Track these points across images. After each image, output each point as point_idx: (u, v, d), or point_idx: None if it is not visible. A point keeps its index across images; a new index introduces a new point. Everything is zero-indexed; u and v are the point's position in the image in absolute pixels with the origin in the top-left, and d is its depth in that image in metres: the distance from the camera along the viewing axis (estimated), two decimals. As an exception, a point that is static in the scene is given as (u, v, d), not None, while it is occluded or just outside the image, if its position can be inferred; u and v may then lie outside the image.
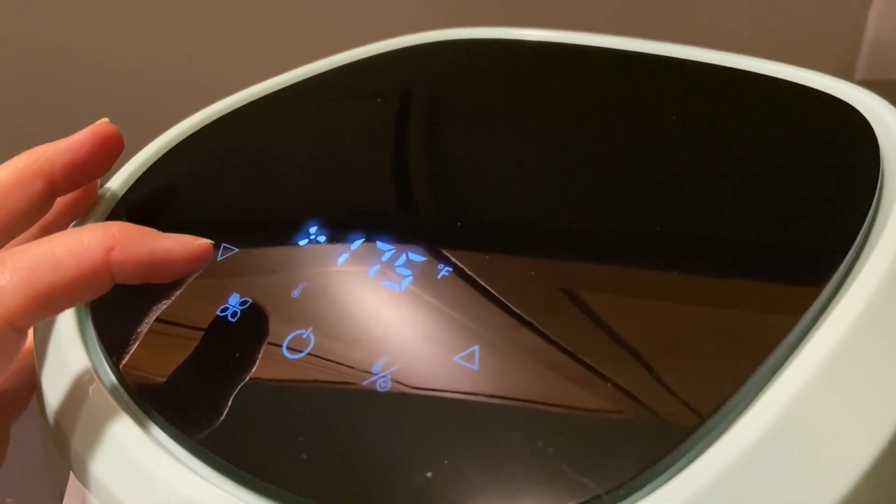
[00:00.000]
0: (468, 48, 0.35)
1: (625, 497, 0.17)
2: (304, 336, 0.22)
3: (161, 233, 0.22)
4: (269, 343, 0.22)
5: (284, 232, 0.26)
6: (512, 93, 0.32)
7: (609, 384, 0.19)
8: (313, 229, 0.25)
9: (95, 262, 0.20)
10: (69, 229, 0.21)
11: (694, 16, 0.63)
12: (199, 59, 0.62)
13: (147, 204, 0.29)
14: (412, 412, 0.20)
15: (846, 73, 0.67)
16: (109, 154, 0.26)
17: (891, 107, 0.27)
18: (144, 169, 0.30)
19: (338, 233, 0.25)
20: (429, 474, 0.18)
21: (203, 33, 0.61)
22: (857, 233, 0.22)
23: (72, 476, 0.22)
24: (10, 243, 0.25)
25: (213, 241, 0.22)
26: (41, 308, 0.20)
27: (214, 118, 0.33)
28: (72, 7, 0.59)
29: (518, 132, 0.29)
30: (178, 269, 0.22)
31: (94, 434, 0.21)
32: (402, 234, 0.24)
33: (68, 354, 0.23)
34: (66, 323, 0.24)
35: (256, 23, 0.61)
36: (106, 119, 0.26)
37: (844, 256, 0.21)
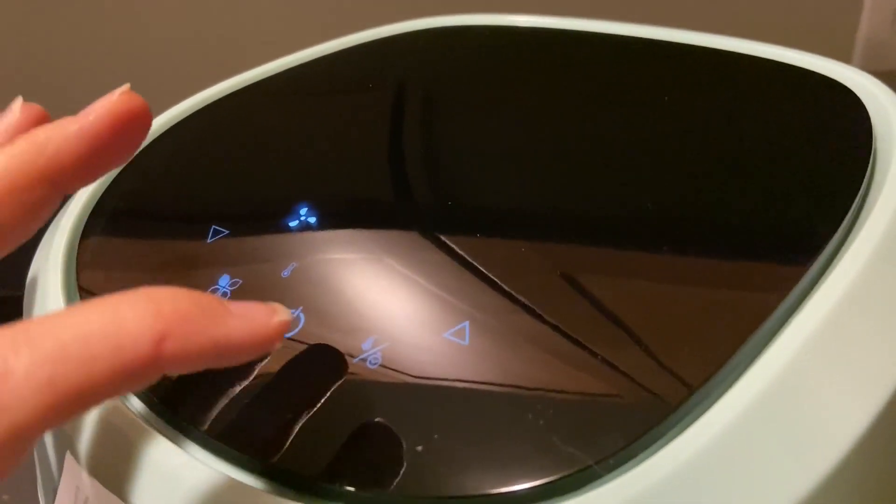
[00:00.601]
0: (458, 35, 0.35)
1: (614, 468, 0.17)
2: (295, 315, 0.22)
3: (225, 306, 0.16)
4: (259, 322, 0.22)
5: (274, 214, 0.25)
6: (501, 78, 0.32)
7: (599, 358, 0.19)
8: (303, 211, 0.25)
9: (141, 357, 0.15)
10: (110, 299, 0.15)
11: (688, 11, 0.63)
12: (184, 51, 0.62)
13: (137, 191, 0.29)
14: (403, 387, 0.20)
15: (841, 65, 0.67)
16: (134, 136, 0.20)
17: (884, 87, 0.27)
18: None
19: (327, 214, 0.25)
20: (419, 448, 0.18)
21: (189, 27, 0.61)
22: (848, 209, 0.22)
23: (64, 472, 0.22)
24: None
25: (292, 315, 0.18)
26: (60, 416, 0.14)
27: (200, 107, 0.33)
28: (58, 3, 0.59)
29: (507, 117, 0.29)
30: (246, 358, 0.17)
31: (90, 421, 0.21)
32: (391, 214, 0.24)
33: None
34: (55, 307, 0.24)
35: (247, 12, 0.61)
36: (127, 85, 0.20)
37: (835, 232, 0.21)
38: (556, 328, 0.20)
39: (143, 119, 0.19)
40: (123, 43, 0.62)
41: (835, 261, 0.21)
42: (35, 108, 0.20)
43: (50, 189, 0.19)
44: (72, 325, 0.15)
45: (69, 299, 0.24)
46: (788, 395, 0.17)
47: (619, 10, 0.62)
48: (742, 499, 0.16)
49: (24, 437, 0.14)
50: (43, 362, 0.14)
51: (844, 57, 0.67)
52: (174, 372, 0.15)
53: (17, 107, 0.20)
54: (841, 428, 0.17)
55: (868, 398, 0.18)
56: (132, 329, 0.15)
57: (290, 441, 0.19)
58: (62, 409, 0.14)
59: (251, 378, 0.21)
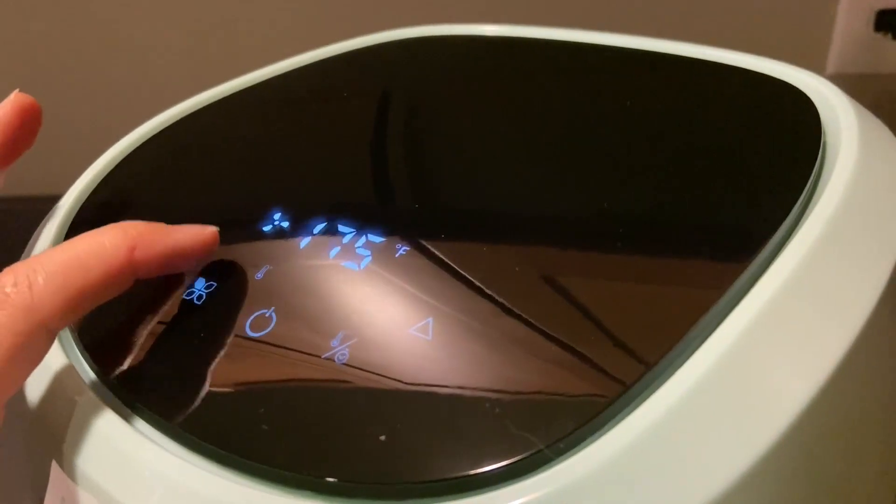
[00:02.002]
0: (428, 45, 0.36)
1: (565, 451, 0.18)
2: (267, 315, 0.23)
3: (171, 227, 0.23)
4: (232, 323, 0.23)
5: (248, 219, 0.26)
6: (469, 85, 0.33)
7: (552, 349, 0.20)
8: (276, 216, 0.26)
9: (121, 263, 0.21)
10: (89, 233, 0.22)
11: (665, 15, 0.64)
12: (160, 63, 0.63)
13: (118, 199, 0.30)
14: (369, 381, 0.21)
15: (818, 68, 0.68)
16: (34, 127, 0.26)
17: (834, 87, 0.28)
18: (110, 168, 0.31)
19: (299, 218, 0.26)
20: (382, 437, 0.19)
21: (171, 40, 0.62)
22: (797, 199, 0.23)
23: (50, 482, 0.22)
24: None
25: (217, 228, 0.24)
26: (72, 311, 0.20)
27: (178, 118, 0.34)
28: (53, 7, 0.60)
29: (471, 122, 0.30)
30: (195, 258, 0.24)
31: (72, 421, 0.22)
32: (361, 217, 0.25)
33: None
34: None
35: (219, 25, 0.62)
36: (17, 89, 0.26)
37: (783, 220, 0.22)
38: (512, 323, 0.21)
39: (36, 111, 0.26)
40: (110, 57, 0.63)
41: (785, 245, 0.22)
42: (26, 100, 0.26)
43: None
44: (67, 249, 0.21)
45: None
46: (731, 376, 0.18)
47: (597, 19, 0.64)
48: (685, 474, 0.17)
49: (50, 327, 0.20)
50: (53, 273, 0.20)
51: (820, 59, 0.68)
52: (143, 274, 0.22)
53: (10, 100, 0.26)
54: (782, 405, 0.18)
55: (807, 378, 0.19)
56: (109, 246, 0.21)
57: (260, 434, 0.20)
58: (73, 305, 0.20)
59: (224, 374, 0.22)
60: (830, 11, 0.66)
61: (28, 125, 0.26)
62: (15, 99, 0.25)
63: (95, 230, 0.22)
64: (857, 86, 0.69)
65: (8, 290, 0.20)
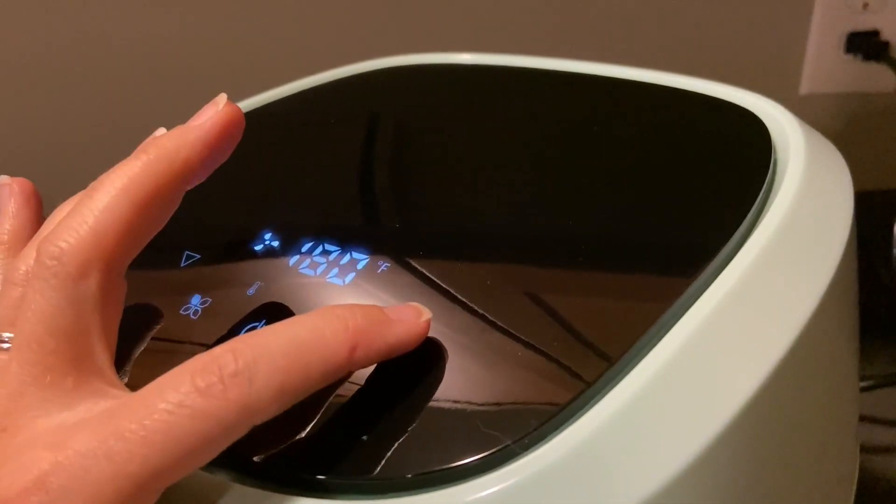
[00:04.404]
0: (408, 74, 0.38)
1: (530, 445, 0.20)
2: (259, 328, 0.25)
3: (388, 316, 0.21)
4: (226, 337, 0.25)
5: (241, 239, 0.28)
6: (444, 112, 0.35)
7: (517, 354, 0.22)
8: (267, 236, 0.28)
9: (340, 363, 0.20)
10: (308, 320, 0.20)
11: (641, 42, 0.67)
12: (153, 90, 0.65)
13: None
14: (351, 388, 0.22)
15: (791, 89, 0.70)
16: (237, 138, 0.23)
17: (783, 109, 0.30)
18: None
19: (288, 238, 0.28)
20: (364, 437, 0.21)
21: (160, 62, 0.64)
22: (748, 212, 0.25)
23: None
24: None
25: (431, 314, 0.22)
26: (282, 409, 0.19)
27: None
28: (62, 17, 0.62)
29: (444, 148, 0.32)
30: (406, 351, 0.22)
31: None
32: (346, 237, 0.27)
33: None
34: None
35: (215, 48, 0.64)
36: (224, 95, 0.23)
37: (734, 231, 0.24)
38: (482, 331, 0.23)
39: (241, 124, 0.23)
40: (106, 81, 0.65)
41: (734, 256, 0.24)
42: (234, 113, 0.23)
43: (183, 187, 0.22)
44: (290, 339, 0.19)
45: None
46: (680, 375, 0.20)
47: (577, 48, 0.66)
48: (640, 461, 0.19)
49: (258, 423, 0.18)
50: (276, 372, 0.18)
51: (794, 81, 0.70)
52: (359, 369, 0.21)
53: (218, 109, 0.23)
54: (727, 398, 0.20)
55: (750, 375, 0.21)
56: (332, 342, 0.19)
57: (253, 437, 0.22)
58: (284, 406, 0.19)
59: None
60: (803, 35, 0.68)
61: (233, 140, 0.23)
62: (225, 111, 0.23)
63: (315, 316, 0.20)
64: (829, 106, 0.71)
65: (227, 378, 0.18)
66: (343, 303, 0.24)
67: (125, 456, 0.17)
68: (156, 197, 0.21)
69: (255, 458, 0.21)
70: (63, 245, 0.20)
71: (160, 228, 0.22)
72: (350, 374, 0.22)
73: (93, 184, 0.21)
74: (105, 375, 0.20)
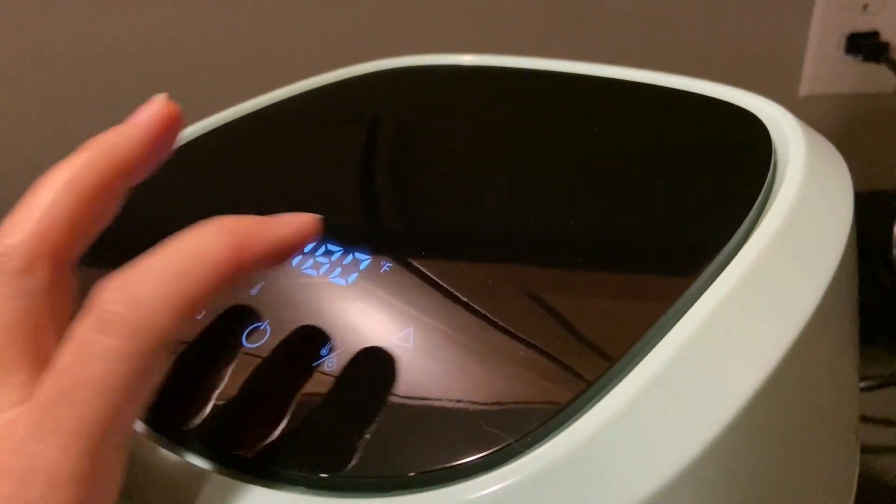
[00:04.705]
0: (409, 75, 0.39)
1: (532, 444, 0.20)
2: (262, 328, 0.25)
3: (271, 218, 0.21)
4: (230, 336, 0.25)
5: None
6: (447, 113, 0.35)
7: (520, 354, 0.22)
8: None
9: (227, 265, 0.19)
10: (183, 234, 0.20)
11: (644, 44, 0.67)
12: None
13: (128, 217, 0.32)
14: (356, 385, 0.22)
15: (792, 90, 0.70)
16: (176, 135, 0.24)
17: (783, 110, 0.30)
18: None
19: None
20: (366, 435, 0.21)
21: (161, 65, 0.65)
22: (748, 211, 0.25)
23: None
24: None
25: (317, 215, 0.22)
26: (184, 322, 0.19)
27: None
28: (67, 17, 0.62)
29: (446, 148, 0.33)
30: (300, 249, 0.21)
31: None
32: (349, 237, 0.27)
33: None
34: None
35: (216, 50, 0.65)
36: (165, 94, 0.24)
37: (736, 230, 0.24)
38: (485, 332, 0.23)
39: (179, 120, 0.23)
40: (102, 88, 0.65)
41: (735, 255, 0.24)
42: (172, 109, 0.23)
43: (125, 182, 0.23)
44: (167, 257, 0.19)
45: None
46: (682, 373, 0.20)
47: (582, 50, 0.66)
48: (641, 459, 0.19)
49: (169, 343, 0.18)
50: (162, 287, 0.18)
51: (794, 82, 0.70)
52: (252, 273, 0.20)
53: (156, 107, 0.23)
54: (729, 396, 0.20)
55: (751, 375, 0.21)
56: (211, 245, 0.19)
57: (260, 435, 0.22)
58: (185, 317, 0.18)
59: (223, 383, 0.24)
60: (803, 36, 0.68)
61: (171, 135, 0.23)
62: (163, 109, 0.23)
63: (190, 230, 0.20)
64: (829, 107, 0.71)
65: (116, 309, 0.18)
66: (346, 304, 0.24)
67: (67, 426, 0.17)
68: (99, 191, 0.22)
69: (257, 456, 0.21)
70: (8, 241, 0.20)
71: (107, 223, 0.22)
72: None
73: (37, 180, 0.22)
74: None
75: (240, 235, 0.20)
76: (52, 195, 0.21)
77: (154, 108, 0.23)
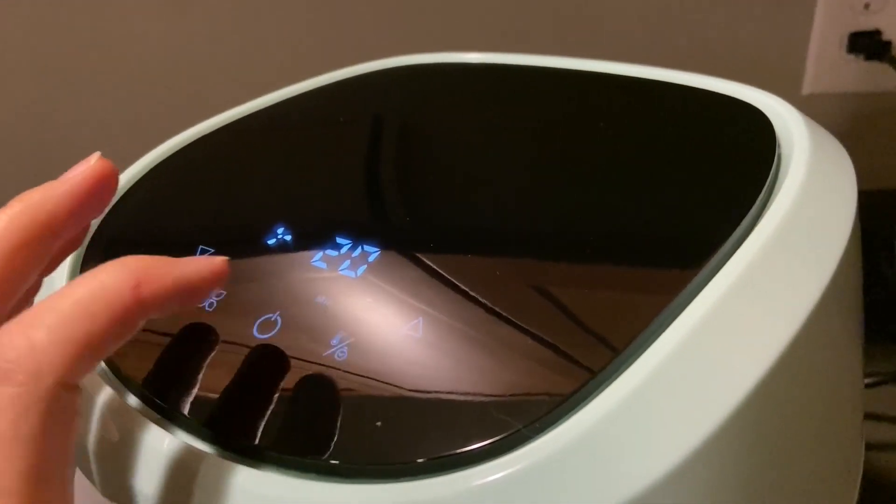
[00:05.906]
0: (415, 73, 0.39)
1: (540, 430, 0.20)
2: (273, 319, 0.25)
3: (177, 259, 0.21)
4: (241, 327, 0.25)
5: (254, 234, 0.29)
6: (454, 111, 0.36)
7: (527, 343, 0.22)
8: (280, 230, 0.28)
9: (126, 303, 0.19)
10: (86, 274, 0.20)
11: (648, 42, 0.67)
12: (159, 91, 0.65)
13: (131, 221, 0.32)
14: (367, 374, 0.23)
15: (794, 89, 0.70)
16: (110, 192, 0.24)
17: (788, 105, 0.30)
18: (122, 192, 0.34)
19: (301, 232, 0.28)
20: (377, 423, 0.21)
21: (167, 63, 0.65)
22: (752, 204, 0.25)
23: None
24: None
25: (226, 258, 0.22)
26: (85, 362, 0.19)
27: (175, 150, 0.36)
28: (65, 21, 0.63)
29: (452, 145, 0.33)
30: (206, 290, 0.21)
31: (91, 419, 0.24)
32: (357, 231, 0.28)
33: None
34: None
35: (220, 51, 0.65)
36: (98, 153, 0.24)
37: (741, 221, 0.24)
38: (493, 322, 0.23)
39: (114, 176, 0.23)
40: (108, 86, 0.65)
41: (740, 246, 0.24)
42: (106, 168, 0.23)
43: (49, 241, 0.22)
44: (67, 296, 0.19)
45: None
46: (687, 362, 0.21)
47: (586, 47, 0.67)
48: (647, 446, 0.20)
49: (67, 384, 0.18)
50: (57, 325, 0.18)
51: (796, 81, 0.71)
52: (154, 312, 0.20)
53: (90, 166, 0.23)
54: (734, 385, 0.21)
55: (755, 364, 0.21)
56: (112, 286, 0.19)
57: (273, 423, 0.22)
58: (84, 355, 0.18)
59: (236, 372, 0.24)
60: (805, 35, 0.68)
61: (106, 192, 0.23)
62: (96, 165, 0.23)
63: (94, 270, 0.20)
64: (832, 106, 0.71)
65: (10, 357, 0.18)
66: (355, 296, 0.24)
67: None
68: (21, 248, 0.21)
69: (266, 443, 0.22)
70: None
71: (31, 279, 0.22)
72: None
73: None
74: None
75: (140, 274, 0.20)
76: None
77: (86, 166, 0.23)
